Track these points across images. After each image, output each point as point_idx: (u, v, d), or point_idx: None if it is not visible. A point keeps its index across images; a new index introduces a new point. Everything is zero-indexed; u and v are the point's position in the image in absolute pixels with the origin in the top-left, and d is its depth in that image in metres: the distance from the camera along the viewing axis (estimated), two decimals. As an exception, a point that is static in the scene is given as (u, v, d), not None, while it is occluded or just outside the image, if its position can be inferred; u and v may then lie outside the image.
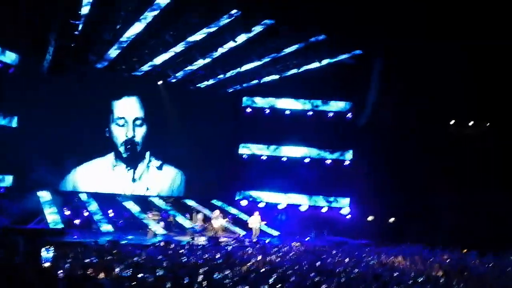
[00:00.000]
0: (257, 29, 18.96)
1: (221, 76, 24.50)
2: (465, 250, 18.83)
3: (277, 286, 10.51)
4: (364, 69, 23.89)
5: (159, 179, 25.70)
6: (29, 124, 21.24)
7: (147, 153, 25.33)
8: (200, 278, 10.64)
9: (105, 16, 18.04)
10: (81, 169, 23.61)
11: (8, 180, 21.05)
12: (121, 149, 24.54)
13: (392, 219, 25.12)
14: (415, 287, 11.22)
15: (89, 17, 17.72)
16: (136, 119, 24.90)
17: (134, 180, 24.79)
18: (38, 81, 20.94)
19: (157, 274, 10.69)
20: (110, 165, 24.34)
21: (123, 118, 24.65)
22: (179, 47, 20.71)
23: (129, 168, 24.72)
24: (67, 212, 21.69)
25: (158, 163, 25.58)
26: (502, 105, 23.14)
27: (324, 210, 26.51)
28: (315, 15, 18.41)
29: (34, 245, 11.09)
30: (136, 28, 18.65)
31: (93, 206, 22.60)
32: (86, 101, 22.94)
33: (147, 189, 25.25)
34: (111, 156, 24.42)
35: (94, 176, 23.90)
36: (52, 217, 20.42)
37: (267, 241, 21.19)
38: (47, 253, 11.01)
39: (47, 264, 10.58)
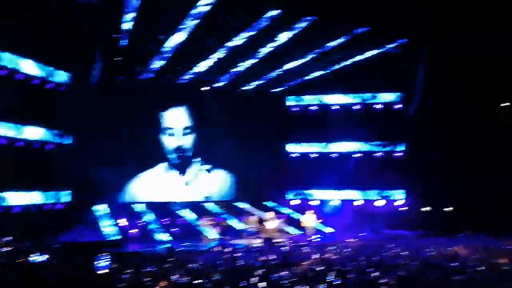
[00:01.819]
0: (299, 26, 18.89)
1: (265, 77, 24.51)
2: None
3: (336, 284, 10.41)
4: (411, 58, 23.46)
5: (210, 183, 25.93)
6: (83, 139, 21.74)
7: (198, 159, 25.58)
8: (257, 280, 10.65)
9: (147, 28, 18.34)
10: (135, 180, 24.08)
11: (67, 196, 21.58)
12: (172, 157, 24.92)
13: (448, 209, 24.56)
14: (478, 276, 10.91)
15: (132, 31, 18.06)
16: (185, 128, 25.22)
17: (186, 184, 25.06)
18: (88, 96, 21.43)
19: (214, 279, 10.75)
20: (162, 174, 24.72)
21: (172, 128, 25.03)
22: (222, 52, 20.85)
23: (181, 174, 25.05)
24: (124, 223, 22.11)
25: (208, 166, 25.79)
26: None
27: (378, 203, 26.15)
28: (356, 7, 18.17)
29: (93, 258, 11.32)
30: (179, 36, 18.87)
31: (148, 216, 23.01)
32: (135, 113, 23.41)
33: (200, 193, 25.48)
34: (162, 166, 24.81)
35: (148, 186, 24.35)
36: (109, 229, 20.94)
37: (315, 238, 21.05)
38: (102, 262, 11.24)
39: (103, 272, 10.79)
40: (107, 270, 10.91)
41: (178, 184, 25.04)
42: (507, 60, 21.38)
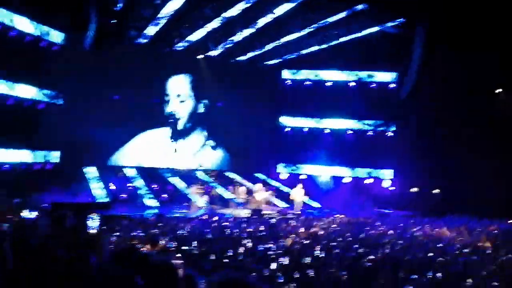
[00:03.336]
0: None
1: (261, 48, 24.37)
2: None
3: (321, 258, 10.52)
4: (408, 38, 23.38)
5: (211, 157, 26.07)
6: (74, 101, 21.58)
7: (204, 132, 25.72)
8: (243, 250, 10.74)
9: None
10: (126, 144, 24.04)
11: (56, 156, 21.52)
12: (165, 123, 24.89)
13: (436, 190, 24.76)
14: (461, 258, 11.06)
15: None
16: (179, 95, 25.14)
17: (175, 152, 25.13)
18: (81, 58, 21.24)
19: (201, 246, 10.83)
20: (154, 139, 24.68)
21: (167, 94, 24.99)
22: (219, 21, 20.66)
23: (173, 141, 25.04)
24: (113, 187, 22.16)
25: (213, 143, 25.86)
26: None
27: (367, 181, 26.31)
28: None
29: (81, 218, 11.37)
30: (175, 3, 18.66)
31: (138, 181, 23.04)
32: (129, 77, 23.20)
33: (200, 165, 25.60)
34: (155, 131, 24.74)
35: (139, 150, 24.31)
36: (98, 191, 21.00)
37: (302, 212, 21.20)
38: (92, 221, 11.30)
39: (93, 231, 10.86)
40: (96, 230, 10.98)
41: (170, 151, 25.02)
42: (501, 45, 21.34)
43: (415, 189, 25.28)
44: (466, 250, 12.19)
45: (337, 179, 26.60)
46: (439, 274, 9.46)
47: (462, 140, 23.34)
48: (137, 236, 11.74)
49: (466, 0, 19.55)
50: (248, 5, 19.00)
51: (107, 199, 20.44)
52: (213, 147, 25.98)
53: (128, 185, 22.91)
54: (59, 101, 21.18)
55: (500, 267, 10.40)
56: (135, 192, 22.45)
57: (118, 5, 19.08)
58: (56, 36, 20.56)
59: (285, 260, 9.81)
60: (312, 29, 21.93)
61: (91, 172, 22.31)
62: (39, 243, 6.88)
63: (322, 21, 21.07)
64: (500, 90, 24.62)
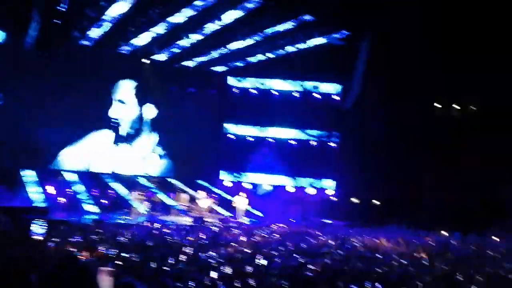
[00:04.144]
0: (245, 7, 18.81)
1: (208, 54, 24.31)
2: (447, 232, 19.04)
3: (262, 267, 10.54)
4: (353, 51, 23.83)
5: (156, 162, 25.86)
6: (14, 101, 20.99)
7: (154, 136, 25.45)
8: (184, 258, 10.66)
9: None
10: (67, 147, 23.47)
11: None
12: (108, 126, 24.47)
13: (376, 201, 25.27)
14: (398, 269, 11.30)
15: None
16: (123, 99, 24.78)
17: (127, 160, 24.86)
18: (22, 58, 20.71)
19: (142, 253, 10.68)
20: (96, 143, 24.21)
21: (111, 97, 24.54)
22: (165, 25, 20.51)
23: (116, 144, 24.64)
24: (52, 191, 21.58)
25: (162, 152, 25.61)
26: (488, 87, 23.15)
27: (309, 191, 26.57)
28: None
29: (18, 223, 11.03)
30: (121, 5, 18.42)
31: (78, 185, 22.52)
32: (72, 78, 22.69)
33: (146, 173, 25.38)
34: (97, 134, 24.27)
35: (80, 154, 23.79)
36: (36, 195, 20.40)
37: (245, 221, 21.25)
38: (39, 228, 10.98)
39: (38, 238, 10.56)
40: (42, 237, 10.67)
41: (112, 155, 24.60)
42: (444, 56, 22.06)
43: (355, 200, 25.72)
44: (403, 261, 12.46)
45: (279, 188, 26.76)
46: (377, 285, 9.62)
47: (402, 153, 23.95)
48: (76, 242, 11.48)
49: (411, 14, 20.05)
50: (195, 13, 18.97)
51: (44, 204, 19.87)
52: (161, 156, 25.75)
53: (67, 190, 22.34)
54: (-1, 102, 20.58)
55: (435, 277, 10.68)
56: (74, 197, 21.92)
57: (62, 5, 18.66)
58: (-2, 35, 20.00)
59: (227, 269, 9.77)
60: (259, 38, 22.04)
61: (29, 175, 21.66)
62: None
63: (269, 30, 21.22)
64: (438, 105, 25.43)
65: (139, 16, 19.92)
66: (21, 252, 7.79)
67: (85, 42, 22.42)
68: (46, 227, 11.28)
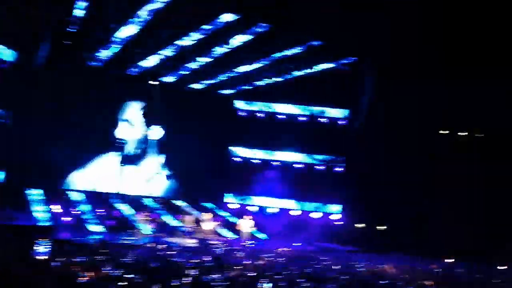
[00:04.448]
0: (253, 32, 18.97)
1: (216, 77, 24.47)
2: (453, 259, 18.90)
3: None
4: (359, 76, 23.94)
5: (162, 183, 25.92)
6: (22, 121, 21.13)
7: (161, 158, 25.53)
8: (189, 280, 10.62)
9: (99, 15, 18.02)
10: (74, 168, 23.59)
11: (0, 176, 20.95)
12: (118, 149, 24.59)
13: (381, 227, 25.15)
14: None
15: (84, 16, 17.71)
16: (131, 120, 24.94)
17: (133, 180, 24.90)
18: (32, 77, 20.91)
19: (146, 275, 10.65)
20: (103, 165, 24.31)
21: (119, 118, 24.73)
22: (172, 49, 20.69)
23: (122, 165, 24.69)
24: (58, 210, 21.59)
25: (168, 173, 25.68)
26: (494, 114, 23.17)
27: (314, 215, 26.48)
28: (311, 21, 18.44)
29: (23, 241, 11.03)
30: (130, 28, 18.62)
31: (84, 205, 22.55)
32: (80, 99, 22.93)
33: (149, 190, 25.42)
34: (104, 155, 24.38)
35: (87, 175, 23.90)
36: (41, 214, 20.42)
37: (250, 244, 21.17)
38: (42, 248, 10.97)
39: (41, 258, 10.55)
40: (45, 257, 10.65)
41: (118, 176, 24.65)
42: (450, 82, 22.16)
43: (360, 225, 25.61)
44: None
45: (284, 212, 26.67)
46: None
47: (408, 179, 23.90)
48: (80, 262, 11.47)
49: (415, 40, 20.16)
50: (202, 36, 19.16)
51: (49, 223, 19.87)
52: (168, 177, 25.82)
53: (72, 209, 22.35)
54: (5, 120, 20.69)
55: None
56: (80, 217, 21.93)
57: (72, 27, 18.89)
58: (8, 54, 20.19)
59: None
60: (267, 62, 22.18)
61: (35, 194, 21.73)
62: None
63: (277, 55, 21.36)
64: (446, 131, 25.45)
65: (147, 39, 20.10)
66: (23, 271, 7.79)
67: (94, 63, 22.64)
68: (50, 247, 11.26)
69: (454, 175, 23.86)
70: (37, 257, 10.42)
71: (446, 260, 18.92)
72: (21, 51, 20.61)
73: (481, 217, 22.87)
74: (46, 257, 10.71)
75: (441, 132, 25.61)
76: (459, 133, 25.62)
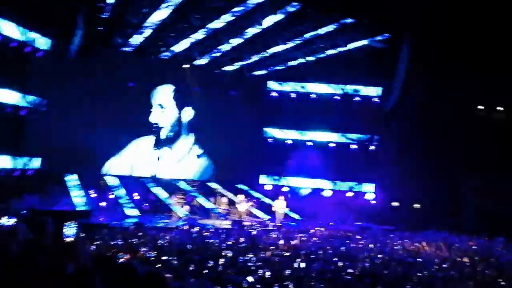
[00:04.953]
0: (283, 12, 18.83)
1: (248, 59, 24.44)
2: (490, 236, 18.62)
3: (301, 270, 10.53)
4: (393, 53, 23.58)
5: (195, 165, 26.08)
6: (57, 107, 21.47)
7: (191, 137, 25.77)
8: (223, 261, 10.72)
9: (131, 0, 18.15)
10: (110, 153, 23.96)
11: (37, 162, 21.37)
12: (152, 133, 24.93)
13: (417, 205, 24.93)
14: (440, 273, 11.13)
15: (116, 1, 17.85)
16: (164, 104, 25.13)
17: (158, 159, 25.11)
18: (66, 64, 21.18)
19: (181, 256, 10.79)
20: (138, 148, 24.62)
21: (152, 103, 24.94)
22: (205, 31, 20.70)
23: (155, 148, 24.98)
24: (94, 195, 22.01)
25: (200, 151, 25.88)
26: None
27: (349, 195, 26.39)
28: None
29: (61, 226, 11.29)
30: (163, 12, 18.69)
31: (120, 189, 22.90)
32: (114, 85, 23.19)
33: (184, 172, 25.66)
34: (139, 139, 24.69)
35: (122, 160, 24.26)
36: (78, 199, 20.84)
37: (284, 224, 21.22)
38: (68, 229, 11.22)
39: (69, 239, 10.78)
40: (73, 238, 10.89)
41: (153, 160, 24.96)
42: (485, 60, 21.67)
43: (396, 203, 25.43)
44: (445, 265, 12.28)
45: (318, 192, 26.64)
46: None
47: (443, 156, 23.58)
48: (117, 245, 11.68)
49: (451, 16, 19.78)
50: (234, 17, 19.11)
51: (87, 207, 20.26)
52: (199, 156, 25.98)
53: (109, 194, 22.75)
54: (42, 108, 21.06)
55: (478, 282, 10.49)
56: (116, 201, 22.30)
57: (105, 13, 19.07)
58: (43, 43, 20.49)
59: (266, 272, 9.80)
60: (299, 41, 22.02)
61: (72, 179, 22.16)
62: (18, 250, 6.84)
63: (310, 34, 21.18)
64: (481, 107, 24.95)
65: (180, 22, 20.16)
66: (61, 250, 7.96)
67: (127, 49, 22.83)
68: (78, 229, 11.54)
69: (489, 152, 23.41)
70: (66, 240, 10.67)
71: (484, 237, 18.63)
72: (56, 38, 20.90)
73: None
74: (73, 238, 10.96)
75: (479, 107, 25.09)
76: (497, 108, 25.05)
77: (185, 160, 25.82)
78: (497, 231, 18.49)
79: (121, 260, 8.97)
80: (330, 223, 22.36)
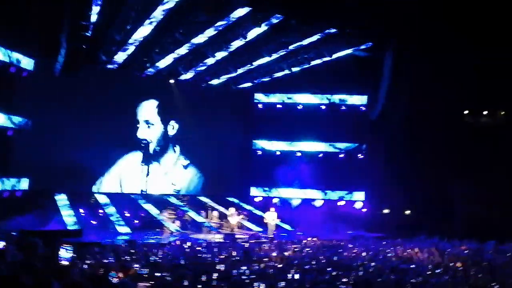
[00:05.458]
0: (267, 24, 18.90)
1: (234, 72, 24.47)
2: (482, 241, 18.69)
3: (295, 281, 10.51)
4: (377, 61, 23.73)
5: (183, 177, 26.04)
6: (44, 127, 21.34)
7: (177, 149, 25.75)
8: (217, 275, 10.67)
9: (115, 17, 18.12)
10: (97, 170, 23.79)
11: (25, 183, 21.20)
12: (138, 148, 24.77)
13: (408, 212, 25.01)
14: (433, 279, 11.15)
15: (99, 18, 17.82)
16: (150, 120, 25.08)
17: (156, 179, 25.12)
18: (51, 84, 21.12)
19: (174, 272, 10.73)
20: (125, 165, 24.51)
21: (138, 119, 24.88)
22: (188, 46, 20.72)
23: (143, 164, 24.85)
24: (84, 213, 21.86)
25: (186, 162, 25.81)
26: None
27: (340, 204, 26.43)
28: (325, 9, 18.34)
29: (52, 246, 11.17)
30: (146, 28, 18.69)
31: (110, 207, 22.76)
32: (100, 102, 23.08)
33: (173, 184, 25.60)
34: (126, 156, 24.58)
35: (110, 176, 24.13)
36: (69, 218, 20.68)
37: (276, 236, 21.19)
38: (65, 252, 11.10)
39: (65, 263, 10.67)
40: (68, 262, 10.78)
41: (141, 176, 24.84)
42: (472, 66, 21.87)
43: (386, 211, 25.49)
44: (438, 271, 12.30)
45: (309, 202, 26.66)
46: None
47: (431, 162, 23.71)
48: (109, 263, 11.58)
49: (433, 24, 19.99)
50: (216, 32, 19.17)
51: (77, 226, 20.11)
52: (185, 166, 25.89)
53: (99, 211, 22.61)
54: (28, 128, 20.92)
55: (471, 287, 10.53)
56: (106, 219, 22.15)
57: (88, 31, 19.02)
58: (26, 63, 20.41)
59: (260, 285, 9.76)
60: (284, 53, 22.09)
61: (61, 199, 21.99)
62: (6, 270, 6.79)
63: (294, 45, 21.27)
64: (467, 111, 25.14)
65: (163, 38, 20.16)
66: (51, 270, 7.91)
67: (112, 66, 22.79)
68: (75, 251, 11.40)
69: (478, 157, 23.56)
70: (61, 263, 10.54)
71: (475, 241, 18.71)
72: (39, 58, 20.82)
73: (508, 197, 22.58)
74: (69, 262, 10.83)
75: (464, 113, 25.27)
76: (484, 113, 25.22)
77: (172, 172, 25.71)
78: (487, 235, 18.56)
79: (115, 280, 8.93)
80: (322, 233, 22.31)
